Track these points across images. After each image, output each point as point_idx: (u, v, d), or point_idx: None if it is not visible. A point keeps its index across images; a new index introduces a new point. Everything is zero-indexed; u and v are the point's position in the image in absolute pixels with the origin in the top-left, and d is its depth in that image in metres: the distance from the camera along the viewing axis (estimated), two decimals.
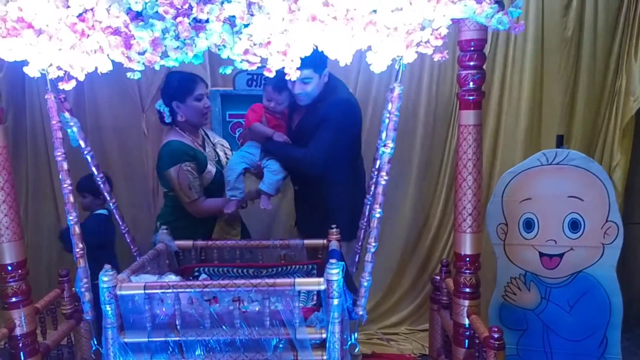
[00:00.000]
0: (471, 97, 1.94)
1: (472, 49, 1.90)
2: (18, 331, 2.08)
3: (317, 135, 2.36)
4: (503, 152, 3.34)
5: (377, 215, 1.78)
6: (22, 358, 2.10)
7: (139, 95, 3.23)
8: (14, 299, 2.07)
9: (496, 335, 1.78)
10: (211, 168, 2.49)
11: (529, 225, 2.30)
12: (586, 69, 3.24)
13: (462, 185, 2.00)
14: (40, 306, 2.26)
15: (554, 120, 3.29)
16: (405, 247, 3.52)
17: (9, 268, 2.05)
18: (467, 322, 2.08)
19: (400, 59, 1.70)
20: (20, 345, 2.09)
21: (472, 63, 1.91)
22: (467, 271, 2.07)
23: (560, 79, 3.26)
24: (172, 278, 1.97)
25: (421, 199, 3.46)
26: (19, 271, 2.07)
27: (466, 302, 2.08)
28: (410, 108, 3.31)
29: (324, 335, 1.73)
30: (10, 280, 2.06)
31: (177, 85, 2.42)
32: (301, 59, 2.16)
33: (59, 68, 1.74)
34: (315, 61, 2.20)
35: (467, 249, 2.04)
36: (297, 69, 2.22)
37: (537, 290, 2.32)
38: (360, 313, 1.80)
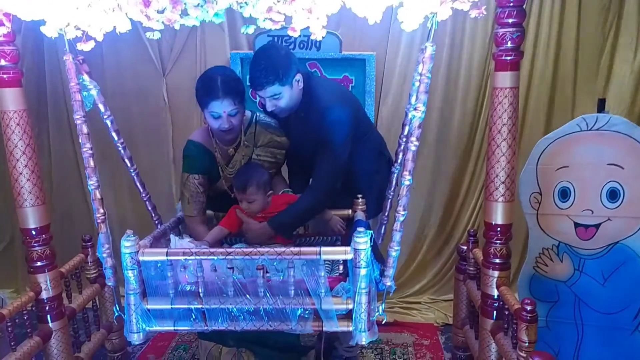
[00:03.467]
0: (509, 58, 1.83)
1: (511, 4, 1.78)
2: (44, 294, 2.11)
3: (318, 167, 2.11)
4: (533, 116, 3.18)
5: (407, 183, 1.70)
6: (49, 321, 2.13)
7: (160, 59, 3.14)
8: (39, 263, 2.08)
9: (529, 308, 1.72)
10: (221, 186, 2.18)
11: (564, 194, 2.19)
12: (627, 27, 3.02)
13: (496, 151, 1.90)
14: (65, 270, 2.27)
15: (590, 83, 3.11)
16: (429, 215, 3.42)
17: (33, 232, 2.05)
18: (496, 293, 2.03)
19: (434, 16, 1.58)
20: (47, 308, 2.11)
21: (510, 20, 1.79)
22: (498, 241, 2.00)
23: (600, 37, 3.05)
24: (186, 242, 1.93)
25: (447, 165, 3.34)
26: (43, 236, 2.07)
27: (496, 273, 2.02)
28: (438, 70, 3.14)
29: (350, 306, 1.69)
30: (35, 244, 2.06)
31: (197, 87, 2.04)
32: (262, 76, 1.98)
33: (77, 28, 1.68)
34: (277, 74, 1.98)
35: (498, 218, 1.97)
36: (261, 88, 2.02)
37: (570, 262, 2.23)
38: (388, 284, 1.75)
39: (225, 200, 2.20)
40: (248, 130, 2.17)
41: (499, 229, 1.98)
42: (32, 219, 2.03)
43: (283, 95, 2.04)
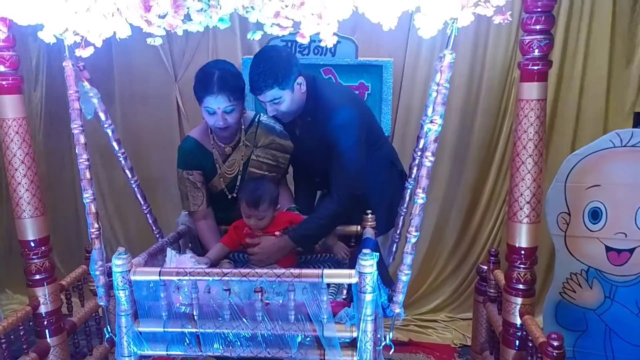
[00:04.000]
0: (536, 67, 1.69)
1: (538, 9, 1.65)
2: (42, 309, 2.04)
3: (336, 172, 1.98)
4: (560, 130, 2.99)
5: (420, 202, 1.57)
6: (48, 336, 2.06)
7: (172, 63, 3.08)
8: (37, 276, 2.02)
9: (555, 344, 1.56)
10: (217, 184, 2.07)
11: (595, 215, 2.02)
12: None
13: (520, 168, 1.76)
14: (66, 283, 2.21)
15: (625, 95, 2.90)
16: (445, 226, 3.26)
17: (32, 244, 1.99)
18: (519, 321, 1.88)
19: (454, 22, 1.45)
20: (45, 323, 2.05)
21: (538, 27, 1.66)
22: (522, 266, 1.85)
23: (631, 44, 2.85)
24: (202, 259, 1.82)
25: (467, 174, 3.18)
26: (42, 248, 2.02)
27: (519, 300, 1.87)
28: (460, 75, 2.98)
29: (354, 334, 1.55)
30: (34, 257, 2.01)
31: (195, 80, 1.96)
32: (260, 79, 1.88)
33: (76, 33, 1.60)
34: (277, 77, 1.87)
35: (522, 241, 1.82)
36: (260, 92, 1.92)
37: (600, 288, 2.06)
38: (397, 311, 1.61)
39: (224, 205, 2.09)
40: (249, 130, 2.07)
41: (522, 252, 1.84)
42: (30, 230, 1.97)
43: (284, 100, 1.93)
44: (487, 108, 3.07)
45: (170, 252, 1.78)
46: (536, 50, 1.67)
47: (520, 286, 1.86)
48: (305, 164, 2.18)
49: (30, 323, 2.05)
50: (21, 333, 1.96)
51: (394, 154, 2.32)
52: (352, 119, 1.97)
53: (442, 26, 1.45)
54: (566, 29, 2.85)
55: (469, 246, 3.31)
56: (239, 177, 2.06)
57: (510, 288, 1.89)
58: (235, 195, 2.06)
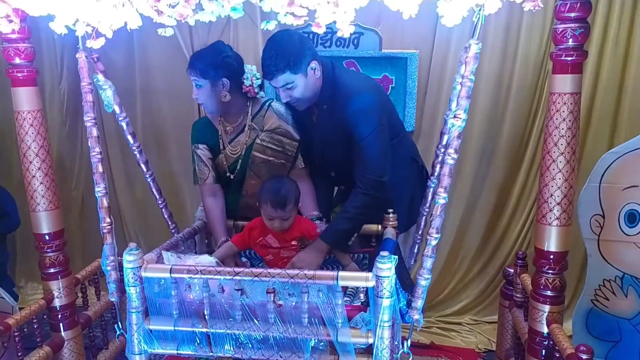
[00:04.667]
0: (570, 58, 1.58)
1: None
2: (57, 302, 2.04)
3: (360, 160, 1.89)
4: (596, 127, 2.82)
5: (442, 202, 1.48)
6: (62, 329, 2.05)
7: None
8: (51, 270, 2.01)
9: (584, 357, 1.45)
10: (221, 163, 2.10)
11: (632, 218, 1.88)
12: None
13: (551, 167, 1.65)
14: (81, 276, 2.20)
15: None
16: (469, 226, 3.12)
17: (47, 237, 1.98)
18: (545, 330, 1.77)
19: (480, 9, 1.36)
20: (60, 316, 2.05)
21: (572, 14, 1.55)
22: (550, 271, 1.75)
23: None
24: (207, 259, 1.79)
25: (494, 173, 3.04)
26: (57, 241, 2.01)
27: (546, 308, 1.77)
28: (486, 71, 2.85)
29: (370, 340, 1.49)
30: (48, 250, 2.00)
31: None
32: (272, 63, 1.82)
33: (87, 24, 1.57)
34: (288, 61, 1.81)
35: (551, 244, 1.72)
36: (271, 77, 1.86)
37: (636, 297, 1.93)
38: (416, 317, 1.53)
39: (225, 184, 2.11)
40: (258, 114, 2.08)
41: (551, 256, 1.73)
42: (45, 223, 1.96)
43: (296, 85, 1.85)
44: (518, 102, 2.92)
45: (166, 255, 1.73)
46: (570, 40, 1.56)
47: (549, 293, 1.76)
48: (321, 155, 2.10)
49: (45, 316, 2.04)
50: (35, 327, 1.94)
51: (414, 150, 2.22)
52: (372, 103, 1.90)
53: (468, 14, 1.36)
54: (607, 17, 2.67)
55: (495, 247, 3.18)
56: (240, 160, 2.07)
57: (538, 294, 1.78)
58: (233, 176, 2.10)
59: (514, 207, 3.09)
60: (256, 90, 2.06)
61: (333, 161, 2.07)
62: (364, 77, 2.21)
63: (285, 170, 2.07)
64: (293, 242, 1.87)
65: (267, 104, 2.09)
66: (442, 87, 2.90)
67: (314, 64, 1.87)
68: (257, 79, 2.05)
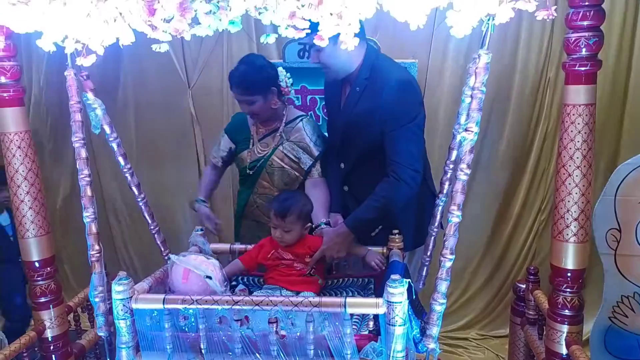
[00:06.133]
0: (583, 68, 1.51)
1: (586, 3, 1.47)
2: (49, 333, 1.93)
3: (393, 146, 1.86)
4: (609, 139, 2.74)
5: (455, 220, 1.40)
6: None
7: (185, 69, 2.96)
8: (42, 299, 1.91)
9: None
10: (245, 158, 2.24)
11: None
12: None
13: (567, 181, 1.57)
14: (74, 304, 2.10)
15: None
16: (472, 235, 3.04)
17: (37, 265, 1.88)
18: (564, 351, 1.69)
19: (490, 19, 1.29)
20: (52, 348, 1.94)
21: (585, 23, 1.48)
22: (568, 290, 1.67)
23: None
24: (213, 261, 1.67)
25: (497, 179, 2.97)
26: (47, 269, 1.91)
27: (565, 328, 1.69)
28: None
29: None
30: (38, 278, 1.90)
31: None
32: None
33: (77, 41, 1.49)
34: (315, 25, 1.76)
35: (569, 262, 1.64)
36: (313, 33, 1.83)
37: None
38: (432, 346, 1.44)
39: (242, 180, 2.27)
40: (290, 124, 2.19)
41: (569, 274, 1.65)
42: (35, 250, 1.86)
43: (325, 49, 1.76)
44: (518, 111, 2.88)
45: (173, 258, 1.64)
46: (584, 49, 1.49)
47: (567, 312, 1.68)
48: (338, 142, 2.07)
49: (36, 349, 1.93)
50: None
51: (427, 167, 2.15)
52: (415, 93, 1.92)
53: (477, 24, 1.29)
54: (622, 24, 2.62)
55: (499, 258, 3.12)
56: (262, 160, 2.19)
57: (555, 314, 1.70)
58: (251, 172, 2.22)
59: (518, 217, 3.03)
60: (290, 89, 2.19)
61: (346, 150, 2.03)
62: (406, 69, 2.20)
63: (296, 182, 2.16)
64: (307, 259, 1.83)
65: (300, 118, 2.20)
66: (441, 97, 2.85)
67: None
68: (289, 78, 2.17)
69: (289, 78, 2.16)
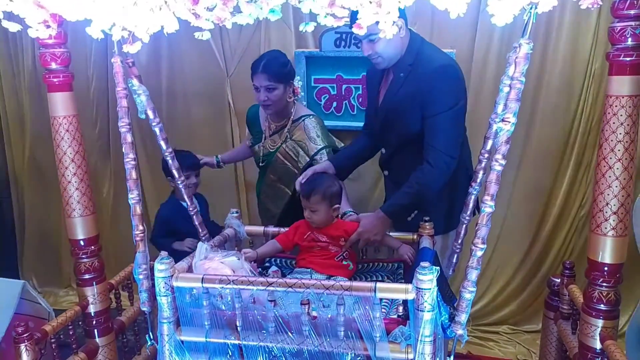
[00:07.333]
0: (628, 59, 1.48)
1: None
2: (92, 308, 2.03)
3: (432, 133, 1.86)
4: None
5: (488, 210, 1.40)
6: (97, 336, 2.04)
7: (224, 58, 3.01)
8: (86, 276, 2.01)
9: None
10: (257, 151, 2.47)
11: None
12: None
13: (607, 174, 1.54)
14: (115, 282, 2.19)
15: None
16: (514, 237, 2.99)
17: (82, 243, 1.98)
18: (599, 346, 1.66)
19: (533, 7, 1.27)
20: (94, 322, 2.04)
21: (632, 11, 1.45)
22: (604, 284, 1.64)
23: None
24: (232, 260, 1.71)
25: (537, 175, 2.90)
26: (92, 247, 2.00)
27: (600, 322, 1.67)
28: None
29: (410, 356, 1.42)
30: (83, 256, 1.99)
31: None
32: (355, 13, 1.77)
33: (123, 28, 1.55)
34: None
35: (606, 256, 1.61)
36: (352, 23, 1.84)
37: None
38: (460, 332, 1.45)
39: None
40: (295, 122, 2.35)
41: (606, 268, 1.62)
42: (80, 229, 1.96)
43: (381, 40, 1.79)
44: (561, 104, 2.77)
45: (201, 246, 1.69)
46: (629, 39, 1.45)
47: (602, 307, 1.65)
48: (378, 128, 2.07)
49: (80, 322, 2.03)
50: (70, 333, 1.94)
51: (468, 154, 2.14)
52: (458, 79, 1.90)
53: (519, 12, 1.27)
54: None
55: (539, 257, 3.00)
56: (270, 155, 2.40)
57: (590, 308, 1.67)
58: (262, 164, 2.46)
59: (558, 215, 2.93)
60: (300, 91, 2.39)
61: (391, 133, 2.03)
62: (450, 56, 2.18)
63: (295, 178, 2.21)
64: (341, 242, 1.87)
65: (303, 117, 2.35)
66: (483, 87, 2.79)
67: (400, 21, 1.82)
68: (299, 80, 2.41)
69: (299, 81, 2.38)
